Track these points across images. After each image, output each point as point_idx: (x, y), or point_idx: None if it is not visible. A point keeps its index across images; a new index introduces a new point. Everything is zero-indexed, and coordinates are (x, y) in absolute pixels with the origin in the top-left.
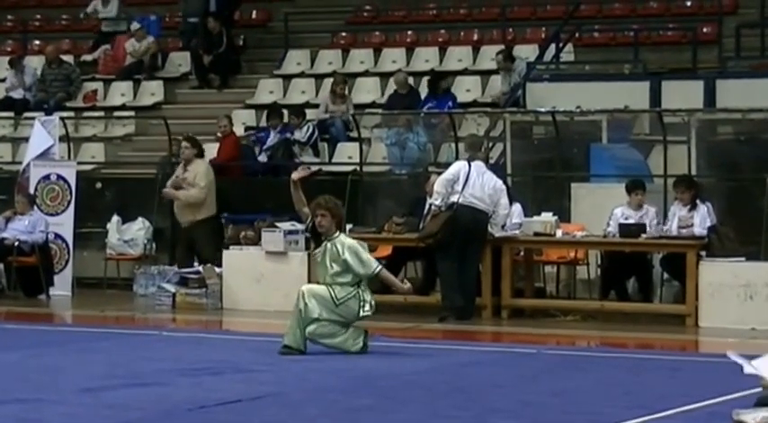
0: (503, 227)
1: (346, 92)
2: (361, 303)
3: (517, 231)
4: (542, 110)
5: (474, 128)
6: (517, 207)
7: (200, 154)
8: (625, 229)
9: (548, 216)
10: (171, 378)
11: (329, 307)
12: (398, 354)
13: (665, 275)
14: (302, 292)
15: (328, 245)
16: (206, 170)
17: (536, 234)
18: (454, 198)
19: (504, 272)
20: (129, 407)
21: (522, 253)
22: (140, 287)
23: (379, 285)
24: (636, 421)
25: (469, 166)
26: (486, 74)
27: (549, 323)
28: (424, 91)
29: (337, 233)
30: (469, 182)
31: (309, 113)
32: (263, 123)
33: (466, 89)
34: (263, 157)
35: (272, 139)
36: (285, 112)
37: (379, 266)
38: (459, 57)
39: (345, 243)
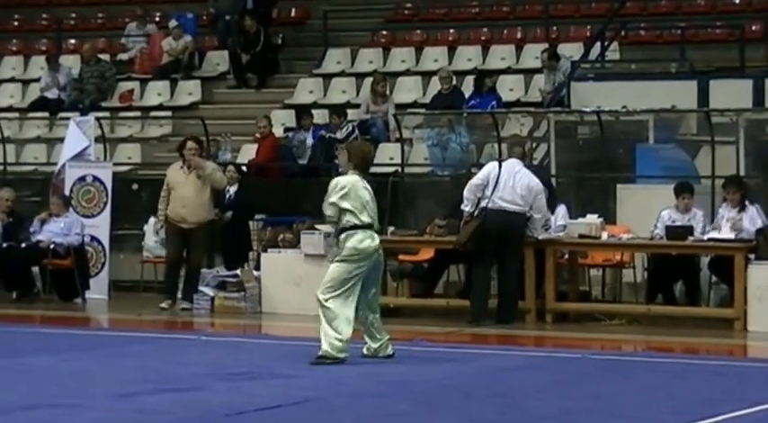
0: (546, 229)
1: (387, 91)
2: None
3: (561, 233)
4: (587, 109)
5: (517, 128)
6: (561, 208)
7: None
8: (672, 232)
9: (593, 218)
10: (208, 383)
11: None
12: (439, 358)
13: (713, 279)
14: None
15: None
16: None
17: (581, 236)
18: (484, 203)
19: (548, 275)
20: (164, 412)
21: (566, 256)
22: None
23: (421, 288)
24: None
25: (500, 167)
26: (529, 73)
27: (594, 327)
28: (467, 90)
29: (349, 173)
30: (499, 185)
31: (350, 113)
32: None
33: (509, 88)
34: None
35: (308, 140)
36: (317, 111)
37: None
38: (501, 55)
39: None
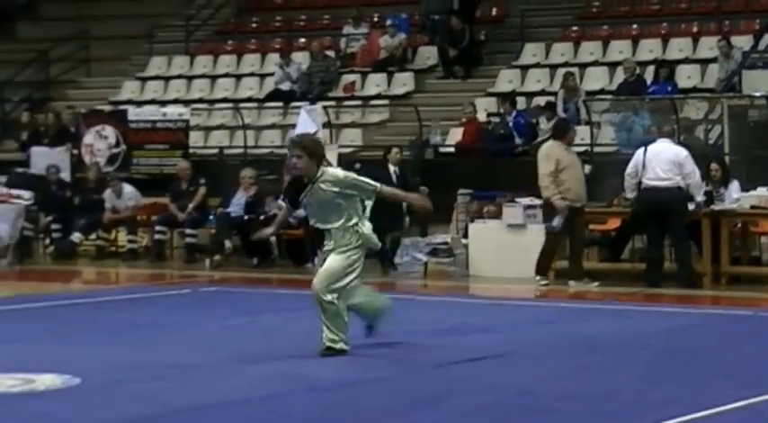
0: (713, 198)
1: (577, 83)
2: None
3: (735, 205)
4: (757, 94)
5: (694, 111)
6: (735, 183)
7: None
8: None
9: (763, 191)
10: (421, 338)
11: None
12: (626, 317)
13: None
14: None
15: (314, 186)
16: None
17: (752, 207)
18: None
19: (723, 242)
20: (383, 363)
21: (739, 225)
22: (396, 257)
23: (609, 254)
24: None
25: (645, 151)
26: (704, 62)
27: (765, 288)
28: (649, 78)
29: (320, 172)
30: (647, 167)
31: (542, 100)
32: (502, 109)
33: (687, 76)
34: (519, 140)
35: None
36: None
37: (379, 184)
38: (680, 47)
39: (334, 173)
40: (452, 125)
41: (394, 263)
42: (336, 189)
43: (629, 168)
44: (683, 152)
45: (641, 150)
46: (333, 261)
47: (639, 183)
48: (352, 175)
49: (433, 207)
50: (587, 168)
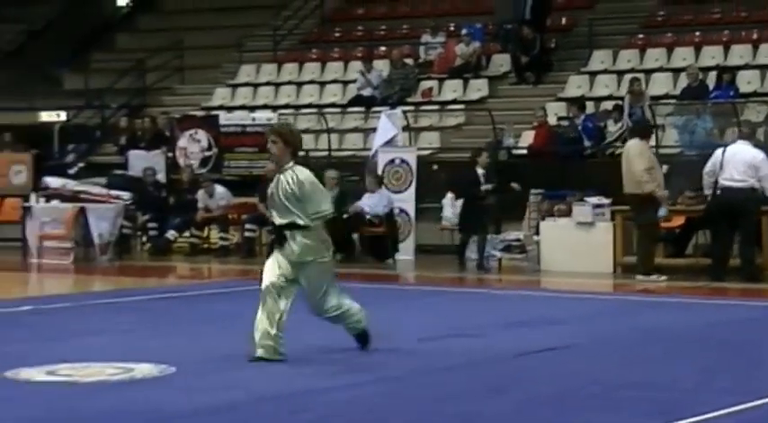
0: None
1: (643, 88)
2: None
3: None
4: None
5: (754, 115)
6: None
7: None
8: None
9: None
10: (494, 330)
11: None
12: (689, 309)
13: None
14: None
15: (281, 177)
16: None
17: None
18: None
19: None
20: (455, 354)
21: None
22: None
23: (673, 250)
24: None
25: (724, 152)
26: (764, 68)
27: None
28: (711, 84)
29: (291, 163)
30: (724, 167)
31: (609, 104)
32: (571, 113)
33: (747, 81)
34: (587, 143)
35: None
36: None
37: (330, 211)
38: (740, 54)
39: (297, 175)
40: (524, 128)
41: (484, 264)
42: (295, 189)
43: (708, 167)
44: (760, 155)
45: (720, 150)
46: (309, 283)
47: (716, 182)
48: (315, 186)
49: (507, 206)
50: (665, 168)
